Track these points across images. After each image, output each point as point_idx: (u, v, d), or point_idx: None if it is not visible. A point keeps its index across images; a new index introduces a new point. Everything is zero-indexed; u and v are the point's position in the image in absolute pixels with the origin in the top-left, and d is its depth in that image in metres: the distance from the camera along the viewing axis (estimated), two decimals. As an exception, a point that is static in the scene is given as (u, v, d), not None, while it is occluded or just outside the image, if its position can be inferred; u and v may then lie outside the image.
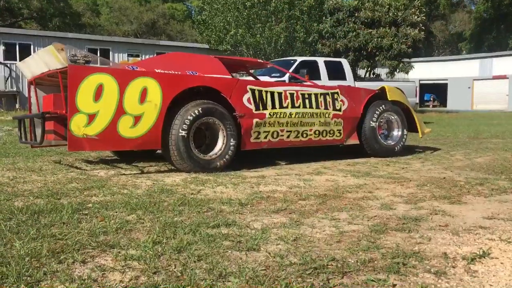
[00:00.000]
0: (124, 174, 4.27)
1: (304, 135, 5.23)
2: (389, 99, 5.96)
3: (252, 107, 4.77)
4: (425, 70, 34.98)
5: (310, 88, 5.39)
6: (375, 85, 13.64)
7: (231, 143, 4.57)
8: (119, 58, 22.42)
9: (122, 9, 53.07)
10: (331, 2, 21.01)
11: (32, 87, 4.97)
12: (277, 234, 2.31)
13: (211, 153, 4.52)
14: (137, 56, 22.67)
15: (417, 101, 16.25)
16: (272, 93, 4.94)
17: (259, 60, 6.09)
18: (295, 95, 5.12)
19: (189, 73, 4.57)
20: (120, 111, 3.97)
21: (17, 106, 18.92)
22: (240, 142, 4.71)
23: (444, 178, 4.13)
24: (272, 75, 10.65)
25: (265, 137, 4.91)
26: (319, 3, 21.57)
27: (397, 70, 20.97)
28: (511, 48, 41.37)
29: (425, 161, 5.40)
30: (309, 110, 5.21)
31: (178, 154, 4.25)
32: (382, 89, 6.01)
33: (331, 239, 2.25)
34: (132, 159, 5.20)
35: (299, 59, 11.91)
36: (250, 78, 6.64)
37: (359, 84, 12.47)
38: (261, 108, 4.83)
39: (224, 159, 4.52)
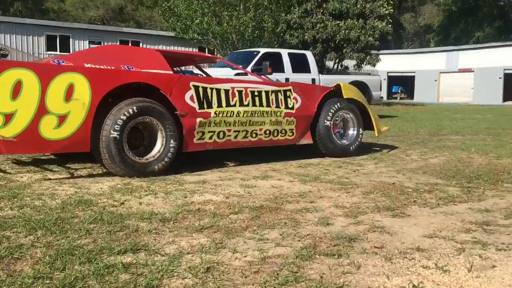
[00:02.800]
0: (49, 179, 3.90)
1: (254, 135, 4.89)
2: (345, 97, 5.67)
3: (196, 105, 4.39)
4: (393, 62, 35.23)
5: (260, 85, 5.03)
6: (341, 79, 13.51)
7: (171, 145, 4.20)
8: (80, 45, 21.63)
9: (89, -7, 51.46)
10: (299, -8, 20.75)
11: None
12: (189, 263, 2.03)
13: (148, 156, 4.14)
14: (99, 43, 21.90)
15: (382, 94, 16.21)
16: (218, 90, 4.57)
17: (207, 54, 5.77)
18: (243, 92, 4.76)
19: (124, 68, 4.21)
20: (42, 110, 3.57)
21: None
22: (182, 143, 4.36)
23: (394, 183, 3.93)
24: (235, 66, 10.36)
25: (210, 138, 4.56)
26: (288, -7, 21.31)
27: (365, 63, 20.93)
28: (477, 41, 42.14)
29: (379, 162, 5.21)
30: (259, 108, 4.86)
31: (109, 157, 3.87)
32: (338, 86, 5.72)
33: (250, 269, 1.98)
34: (72, 159, 4.82)
35: (262, 50, 11.60)
36: (199, 72, 6.30)
37: (325, 77, 12.29)
38: (205, 106, 4.46)
39: (163, 162, 4.15)
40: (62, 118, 3.66)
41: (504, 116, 15.99)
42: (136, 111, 3.99)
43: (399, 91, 38.33)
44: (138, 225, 2.55)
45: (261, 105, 4.90)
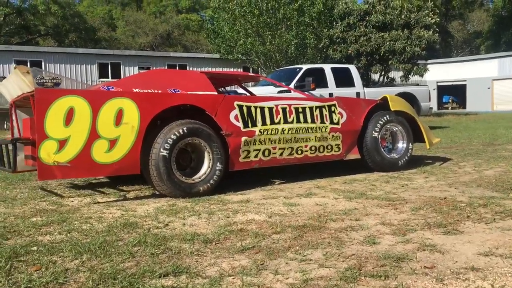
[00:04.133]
0: (98, 202, 4.00)
1: (299, 152, 4.88)
2: (392, 109, 5.56)
3: (240, 124, 4.44)
4: (442, 72, 34.18)
5: (304, 101, 5.01)
6: (387, 91, 13.20)
7: (217, 167, 4.25)
8: (130, 71, 22.44)
9: (137, 21, 53.57)
10: (341, 6, 20.62)
11: (13, 110, 4.68)
12: (230, 285, 1.99)
13: (194, 177, 4.19)
14: (148, 68, 22.62)
15: (431, 105, 15.70)
16: (262, 109, 4.61)
17: (250, 73, 5.82)
18: (287, 109, 4.78)
19: (171, 91, 4.30)
20: (93, 135, 3.70)
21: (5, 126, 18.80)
22: (228, 163, 4.39)
23: (445, 198, 3.74)
24: (278, 84, 10.39)
25: (256, 156, 4.57)
26: (329, 8, 21.23)
27: (412, 73, 20.40)
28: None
29: (430, 175, 5.00)
30: (303, 125, 4.86)
31: (157, 175, 3.95)
32: (384, 99, 5.65)
33: (291, 291, 1.92)
34: (122, 181, 4.95)
35: (305, 67, 11.56)
36: (243, 92, 6.35)
37: (370, 90, 12.07)
38: (250, 125, 4.50)
39: (208, 184, 4.19)
40: (112, 142, 3.78)
41: None
42: (185, 131, 4.10)
43: (450, 100, 37.05)
44: (181, 247, 2.55)
45: (305, 121, 4.89)
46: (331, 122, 5.08)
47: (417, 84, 16.94)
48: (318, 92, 10.10)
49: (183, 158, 4.28)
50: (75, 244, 2.60)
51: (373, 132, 5.33)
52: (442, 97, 36.58)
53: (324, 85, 11.19)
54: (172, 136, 4.01)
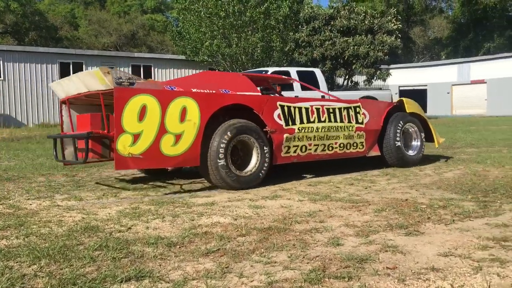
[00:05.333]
0: (58, 205, 3.87)
1: (330, 148, 5.38)
2: (407, 111, 6.15)
3: (282, 122, 4.90)
4: (404, 76, 35.08)
5: (334, 102, 5.53)
6: (351, 94, 13.41)
7: (265, 161, 4.69)
8: (92, 71, 21.93)
9: (101, 21, 52.49)
10: (306, 11, 20.87)
11: (65, 107, 5.09)
12: (194, 289, 1.96)
13: (246, 170, 4.62)
14: (111, 69, 22.19)
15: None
16: (300, 109, 5.08)
17: (282, 76, 6.54)
18: (320, 109, 5.28)
19: (223, 92, 4.69)
20: (162, 130, 4.09)
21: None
22: (272, 157, 4.82)
23: (407, 200, 3.83)
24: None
25: (295, 152, 5.05)
26: (295, 12, 21.43)
27: (375, 78, 20.85)
28: (487, 52, 41.84)
29: (392, 177, 5.11)
30: (334, 124, 5.36)
31: (216, 171, 4.37)
32: (400, 102, 6.23)
33: (255, 294, 1.91)
34: (81, 186, 4.81)
35: (271, 69, 11.64)
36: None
37: (334, 94, 12.24)
38: (290, 123, 4.96)
39: (258, 176, 4.64)
40: (178, 137, 4.18)
41: (520, 126, 15.71)
42: (238, 129, 4.51)
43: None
44: (144, 251, 2.50)
45: (335, 121, 5.40)
46: (357, 122, 5.61)
47: (380, 88, 17.33)
48: (283, 94, 10.17)
49: (232, 153, 4.61)
50: (33, 248, 2.50)
51: (396, 132, 5.85)
52: (404, 101, 37.46)
53: (290, 88, 11.28)
54: (228, 134, 4.43)
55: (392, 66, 27.01)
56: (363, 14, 20.60)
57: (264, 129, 4.73)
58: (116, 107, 3.90)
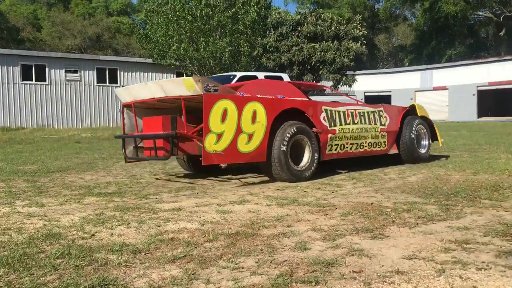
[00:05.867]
0: (19, 212, 3.74)
1: (361, 147, 6.19)
2: (419, 115, 7.06)
3: (327, 124, 5.65)
4: (369, 82, 35.81)
5: (364, 107, 6.35)
6: (319, 99, 13.58)
7: (315, 158, 5.39)
8: (56, 74, 21.39)
9: (65, 23, 51.34)
10: (274, 16, 21.02)
11: (128, 110, 5.66)
12: (159, 297, 1.92)
13: (300, 165, 5.29)
14: (76, 72, 21.71)
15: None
16: (339, 112, 5.85)
17: (315, 83, 7.34)
18: (354, 113, 6.07)
19: (280, 97, 5.29)
20: (239, 130, 4.71)
21: None
22: (319, 154, 5.51)
23: (372, 203, 3.89)
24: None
25: (336, 150, 5.80)
26: (263, 17, 21.54)
27: (341, 83, 21.18)
28: (449, 59, 43.19)
29: (358, 181, 5.18)
30: (364, 125, 6.17)
31: (279, 166, 5.03)
32: (412, 107, 7.18)
33: (223, 300, 1.89)
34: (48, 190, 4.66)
35: (239, 74, 11.65)
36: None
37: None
38: (332, 125, 5.72)
39: (310, 170, 5.33)
40: (250, 136, 4.81)
41: (479, 132, 16.27)
42: (296, 130, 5.18)
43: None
44: (108, 258, 2.44)
45: (365, 123, 6.22)
46: (381, 123, 6.47)
47: (346, 94, 17.57)
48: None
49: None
50: (-10, 258, 2.40)
51: (411, 133, 6.73)
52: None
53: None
54: (288, 134, 5.09)
55: (357, 72, 27.55)
56: (330, 21, 20.94)
57: (313, 130, 5.41)
58: (205, 111, 4.45)
